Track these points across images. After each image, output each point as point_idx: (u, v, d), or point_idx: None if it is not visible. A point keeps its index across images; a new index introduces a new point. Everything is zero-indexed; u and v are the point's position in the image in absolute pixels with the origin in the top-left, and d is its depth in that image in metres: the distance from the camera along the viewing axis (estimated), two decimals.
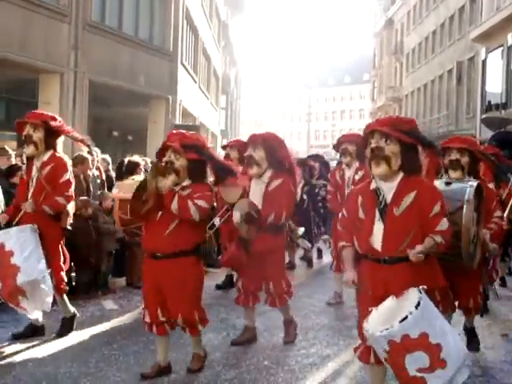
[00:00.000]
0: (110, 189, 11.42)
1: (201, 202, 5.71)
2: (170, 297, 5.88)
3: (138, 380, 6.01)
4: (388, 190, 4.95)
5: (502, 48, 31.77)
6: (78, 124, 20.10)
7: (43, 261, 6.84)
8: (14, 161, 10.15)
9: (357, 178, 8.65)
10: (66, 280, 7.36)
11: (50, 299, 6.90)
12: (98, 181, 11.69)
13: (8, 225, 7.22)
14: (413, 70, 54.22)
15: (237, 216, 6.44)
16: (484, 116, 31.87)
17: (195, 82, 32.80)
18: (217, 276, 9.44)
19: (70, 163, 7.45)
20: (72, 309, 7.53)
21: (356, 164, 8.87)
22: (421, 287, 4.59)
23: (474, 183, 5.98)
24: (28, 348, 6.97)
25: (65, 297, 7.40)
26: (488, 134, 21.10)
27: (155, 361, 6.10)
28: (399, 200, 4.88)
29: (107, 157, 13.95)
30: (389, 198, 4.92)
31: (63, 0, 19.77)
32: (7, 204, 8.26)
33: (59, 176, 7.08)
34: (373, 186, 5.04)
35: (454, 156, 6.47)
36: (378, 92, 69.39)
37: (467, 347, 6.27)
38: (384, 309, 4.68)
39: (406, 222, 4.85)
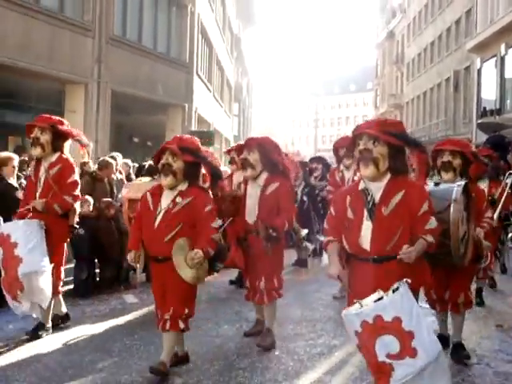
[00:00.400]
0: None
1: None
2: (168, 293, 5.76)
3: None
4: (376, 190, 4.83)
5: (495, 58, 31.77)
6: (101, 130, 20.26)
7: (46, 256, 6.77)
8: None
9: (356, 179, 8.61)
10: (63, 278, 7.31)
11: (48, 293, 6.78)
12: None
13: None
14: (413, 78, 54.06)
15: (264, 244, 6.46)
16: (480, 121, 31.75)
17: (210, 91, 32.80)
18: (230, 272, 9.43)
19: (76, 165, 7.42)
20: (64, 309, 7.41)
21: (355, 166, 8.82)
22: (404, 280, 4.36)
23: (462, 183, 5.89)
24: (55, 338, 7.01)
25: (60, 298, 7.35)
26: (483, 137, 21.02)
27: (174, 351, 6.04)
28: (387, 200, 4.75)
29: (129, 161, 13.96)
30: (377, 197, 4.80)
31: (87, 16, 19.88)
32: None
33: (66, 176, 7.03)
34: (361, 186, 4.93)
35: (446, 158, 6.38)
36: (380, 99, 69.23)
37: (456, 360, 6.33)
38: (365, 302, 4.43)
39: (394, 222, 4.70)
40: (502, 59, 30.75)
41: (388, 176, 4.83)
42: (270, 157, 6.77)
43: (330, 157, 20.03)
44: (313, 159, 14.64)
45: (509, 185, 8.76)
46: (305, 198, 12.21)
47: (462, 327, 6.56)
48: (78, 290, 8.98)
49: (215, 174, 6.11)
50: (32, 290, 6.62)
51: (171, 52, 25.25)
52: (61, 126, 7.14)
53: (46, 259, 6.75)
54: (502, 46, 30.12)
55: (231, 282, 10.13)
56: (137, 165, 13.29)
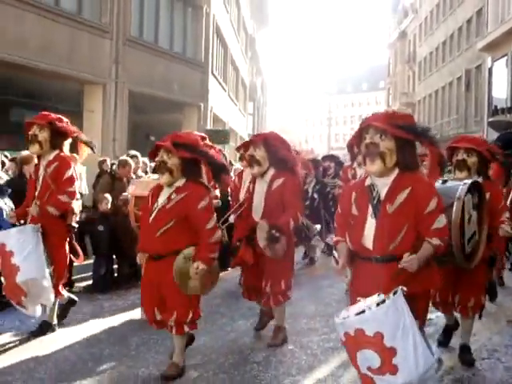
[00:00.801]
0: None
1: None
2: (169, 296, 5.49)
3: None
4: (382, 186, 4.46)
5: (506, 57, 31.65)
6: (119, 129, 20.34)
7: (43, 260, 6.58)
8: None
9: None
10: (65, 281, 7.12)
11: (52, 295, 6.69)
12: None
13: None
14: (425, 77, 53.86)
15: (261, 242, 6.28)
16: (491, 119, 31.64)
17: (225, 91, 32.81)
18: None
19: (74, 162, 7.17)
20: (55, 320, 7.11)
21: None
22: (400, 288, 4.03)
23: (469, 181, 5.51)
24: (75, 332, 7.07)
25: (56, 303, 7.03)
26: (495, 135, 20.88)
27: (171, 351, 5.89)
28: (393, 197, 4.39)
29: (146, 159, 14.00)
30: (383, 194, 4.44)
31: (105, 18, 19.95)
32: None
33: (62, 173, 6.80)
34: (367, 182, 4.58)
35: (461, 156, 6.05)
36: (392, 98, 69.00)
37: (462, 363, 6.10)
38: (365, 303, 4.16)
39: (398, 220, 4.34)
40: None
41: (396, 171, 4.46)
42: (277, 153, 6.57)
43: (343, 155, 20.05)
44: (325, 157, 14.47)
45: None
46: (315, 196, 12.14)
47: (470, 330, 6.30)
48: (97, 286, 9.04)
49: (216, 169, 5.82)
50: (35, 293, 6.55)
51: (187, 52, 25.27)
52: (59, 123, 6.94)
53: (44, 263, 6.59)
54: None
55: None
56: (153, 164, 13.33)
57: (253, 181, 6.79)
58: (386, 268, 4.32)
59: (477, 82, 38.14)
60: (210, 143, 8.40)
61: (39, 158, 6.99)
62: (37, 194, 6.85)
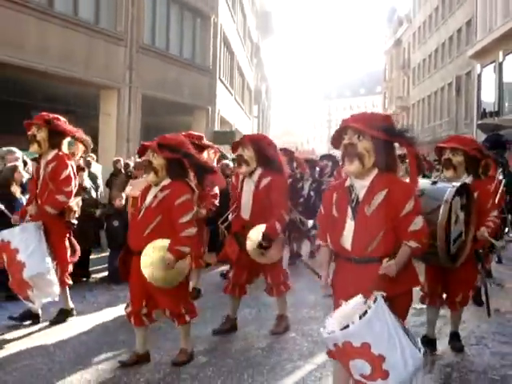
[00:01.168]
0: None
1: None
2: (157, 292, 5.36)
3: None
4: (361, 187, 4.19)
5: (494, 64, 31.60)
6: (132, 131, 20.39)
7: (47, 256, 6.56)
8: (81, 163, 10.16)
9: None
10: (70, 271, 6.97)
11: (56, 288, 6.62)
12: None
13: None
14: (418, 82, 53.74)
15: (250, 251, 6.28)
16: (480, 122, 31.61)
17: (231, 95, 32.79)
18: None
19: (72, 162, 6.96)
20: (71, 305, 7.14)
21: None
22: (380, 293, 3.84)
23: (457, 184, 5.34)
24: (92, 319, 7.11)
25: (67, 290, 7.01)
26: (483, 137, 20.88)
27: (134, 350, 5.72)
28: (370, 199, 4.11)
29: None
30: (361, 196, 4.16)
31: (120, 27, 19.98)
32: None
33: (60, 173, 6.68)
34: (347, 182, 4.30)
35: (447, 155, 5.89)
36: (388, 102, 68.88)
37: (451, 349, 6.13)
38: (348, 308, 3.96)
39: (376, 222, 4.04)
40: (500, 65, 30.63)
41: (374, 173, 4.18)
42: (265, 153, 6.46)
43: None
44: (323, 157, 14.35)
45: (503, 182, 8.39)
46: (312, 193, 12.09)
47: (459, 319, 6.27)
48: (112, 277, 9.06)
49: (200, 170, 5.57)
50: (41, 288, 6.49)
51: (196, 59, 25.28)
52: (57, 122, 6.79)
53: (48, 258, 6.56)
54: (500, 53, 29.96)
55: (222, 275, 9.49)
56: None
57: (242, 180, 6.66)
58: (365, 269, 4.06)
59: (467, 87, 38.07)
60: (209, 143, 8.34)
61: (40, 157, 6.87)
62: (37, 192, 6.77)
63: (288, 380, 5.38)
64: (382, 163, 4.17)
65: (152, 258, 5.22)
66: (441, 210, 5.02)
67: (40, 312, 6.96)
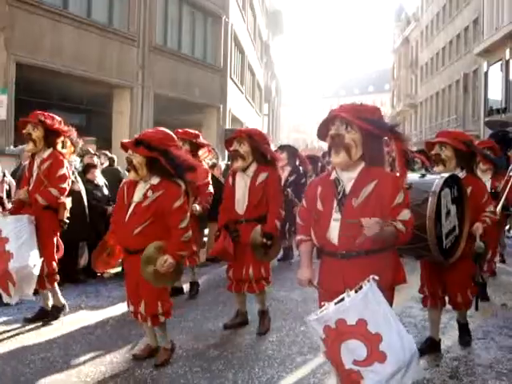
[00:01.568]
0: None
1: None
2: (141, 289, 5.20)
3: (196, 341, 6.15)
4: (347, 180, 3.95)
5: (501, 62, 31.58)
6: (145, 129, 20.31)
7: (36, 250, 6.32)
8: (95, 160, 10.18)
9: None
10: (56, 270, 6.68)
11: (32, 287, 6.33)
12: None
13: None
14: (426, 80, 53.57)
15: (256, 253, 6.18)
16: (487, 119, 31.49)
17: (242, 93, 32.82)
18: None
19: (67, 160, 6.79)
20: (62, 300, 6.93)
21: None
22: (371, 277, 3.59)
23: (445, 175, 5.14)
24: (107, 313, 7.16)
25: (56, 287, 6.79)
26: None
27: (147, 343, 5.72)
28: (358, 191, 3.88)
29: None
30: (348, 188, 3.93)
31: (132, 28, 20.06)
32: None
33: (55, 171, 6.50)
34: (333, 175, 4.06)
35: (435, 150, 5.71)
36: (396, 100, 68.72)
37: (459, 341, 6.01)
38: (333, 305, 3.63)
39: (363, 215, 3.75)
40: (507, 63, 30.60)
41: (361, 165, 3.96)
42: (260, 148, 6.31)
43: None
44: (326, 153, 14.32)
45: None
46: None
47: (466, 315, 6.09)
48: None
49: (178, 168, 5.17)
50: (20, 283, 6.20)
51: (207, 58, 25.32)
52: (51, 122, 6.61)
53: (36, 254, 6.32)
54: (507, 51, 29.94)
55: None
56: None
57: (232, 175, 6.48)
58: (353, 264, 3.84)
59: (474, 84, 37.93)
60: (205, 142, 8.13)
61: (33, 155, 6.70)
62: (30, 189, 6.58)
63: (298, 373, 5.39)
64: (369, 156, 3.95)
65: (153, 256, 5.06)
66: (429, 202, 4.85)
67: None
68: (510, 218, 9.86)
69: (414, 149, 8.21)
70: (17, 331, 6.46)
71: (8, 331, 6.44)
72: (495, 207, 6.18)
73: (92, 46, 18.03)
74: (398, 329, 3.58)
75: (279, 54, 63.66)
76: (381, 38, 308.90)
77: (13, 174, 9.17)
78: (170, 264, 5.01)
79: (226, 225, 6.37)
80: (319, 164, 12.71)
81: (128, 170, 5.25)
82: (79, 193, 8.70)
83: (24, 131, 6.60)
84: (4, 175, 8.50)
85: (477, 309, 6.04)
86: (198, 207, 7.53)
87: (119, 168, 11.44)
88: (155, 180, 5.16)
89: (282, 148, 11.16)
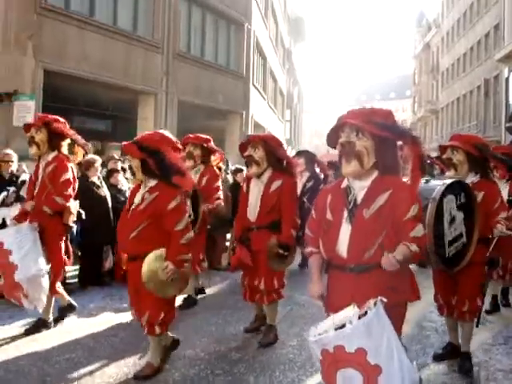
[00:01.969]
0: None
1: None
2: (143, 296, 4.98)
3: (218, 344, 6.16)
4: (359, 189, 3.68)
5: None
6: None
7: (42, 258, 6.18)
8: (119, 165, 10.22)
9: None
10: (64, 276, 6.54)
11: (44, 297, 6.23)
12: None
13: None
14: (447, 86, 53.24)
15: (271, 263, 5.94)
16: (508, 125, 31.26)
17: (264, 100, 32.82)
18: None
19: (72, 164, 6.60)
20: (51, 317, 6.63)
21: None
22: (379, 298, 3.29)
23: (448, 181, 4.93)
24: (130, 316, 7.15)
25: (53, 299, 6.57)
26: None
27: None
28: (370, 201, 3.61)
29: None
30: (359, 198, 3.67)
31: (157, 35, 20.17)
32: None
33: (59, 175, 6.34)
34: (344, 184, 3.80)
35: (447, 155, 5.47)
36: (418, 106, 68.35)
37: (458, 369, 5.45)
38: (339, 317, 3.41)
39: (375, 226, 3.55)
40: None
41: (375, 174, 3.68)
42: (275, 153, 6.08)
43: None
44: None
45: None
46: None
47: (470, 336, 5.54)
48: None
49: (163, 170, 4.92)
50: (32, 292, 6.09)
51: (230, 65, 25.38)
52: (56, 124, 6.46)
53: (42, 261, 6.18)
54: None
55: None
56: None
57: (247, 181, 6.33)
58: (363, 279, 3.56)
59: (495, 90, 37.62)
60: (216, 147, 7.91)
61: (39, 158, 6.56)
62: (35, 194, 6.45)
63: (318, 376, 5.29)
64: (383, 163, 3.67)
65: (154, 267, 4.85)
66: (428, 209, 4.57)
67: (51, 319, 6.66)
68: None
69: (435, 154, 7.95)
70: (43, 332, 6.49)
71: (34, 332, 6.45)
72: (510, 214, 5.82)
73: (117, 52, 18.18)
74: (400, 360, 3.27)
75: (301, 60, 63.79)
76: (402, 43, 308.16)
77: None
78: (171, 270, 4.80)
79: (241, 236, 6.18)
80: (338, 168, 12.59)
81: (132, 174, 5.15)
82: (104, 197, 8.78)
83: (28, 135, 6.47)
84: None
85: (477, 325, 5.52)
86: (205, 208, 7.34)
87: None
88: (153, 182, 4.99)
89: (299, 154, 10.99)
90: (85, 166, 8.88)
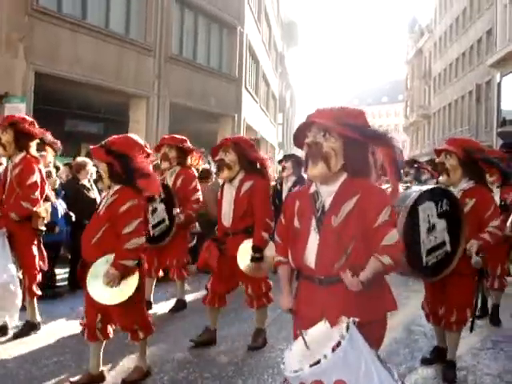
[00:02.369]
0: None
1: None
2: (110, 306, 4.70)
3: (207, 347, 6.13)
4: (327, 194, 3.39)
5: None
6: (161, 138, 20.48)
7: (10, 264, 5.94)
8: None
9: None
10: (39, 280, 6.35)
11: (18, 302, 6.06)
12: None
13: None
14: (439, 91, 53.43)
15: (247, 270, 5.75)
16: (499, 130, 31.40)
17: (257, 103, 32.86)
18: None
19: (40, 165, 6.35)
20: (38, 317, 6.53)
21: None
22: (351, 320, 3.09)
23: (424, 188, 4.73)
24: None
25: (35, 301, 6.42)
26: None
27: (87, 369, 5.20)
28: (338, 207, 3.32)
29: None
30: (327, 204, 3.37)
31: (149, 38, 20.20)
32: None
33: (26, 178, 6.08)
34: (312, 189, 3.51)
35: (441, 159, 5.27)
36: (410, 110, 68.56)
37: (442, 377, 5.33)
38: (311, 338, 3.25)
39: (344, 235, 3.26)
40: None
41: (343, 177, 3.40)
42: (247, 155, 5.85)
43: None
44: None
45: None
46: None
47: (456, 345, 5.39)
48: None
49: (127, 173, 4.70)
50: (3, 299, 5.91)
51: (222, 68, 25.44)
52: (22, 124, 6.16)
53: (12, 267, 5.96)
54: None
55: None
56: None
57: (221, 186, 6.15)
58: (333, 291, 3.29)
59: (487, 95, 37.78)
60: (192, 147, 7.59)
61: (8, 160, 6.38)
62: (4, 197, 6.22)
63: None
64: (352, 166, 3.39)
65: (96, 273, 4.65)
66: (400, 217, 4.29)
67: (9, 324, 6.45)
68: None
69: (425, 159, 7.93)
70: (31, 335, 6.45)
71: (21, 335, 6.40)
72: (504, 221, 5.71)
73: (109, 55, 18.20)
74: (380, 381, 3.07)
75: (294, 64, 63.94)
76: (394, 49, 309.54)
77: None
78: (112, 275, 4.55)
79: (218, 239, 6.01)
80: None
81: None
82: (94, 200, 8.76)
83: None
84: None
85: (471, 330, 5.41)
86: (181, 217, 7.24)
87: None
88: (116, 187, 4.78)
89: (286, 158, 10.78)
90: (75, 169, 8.87)
